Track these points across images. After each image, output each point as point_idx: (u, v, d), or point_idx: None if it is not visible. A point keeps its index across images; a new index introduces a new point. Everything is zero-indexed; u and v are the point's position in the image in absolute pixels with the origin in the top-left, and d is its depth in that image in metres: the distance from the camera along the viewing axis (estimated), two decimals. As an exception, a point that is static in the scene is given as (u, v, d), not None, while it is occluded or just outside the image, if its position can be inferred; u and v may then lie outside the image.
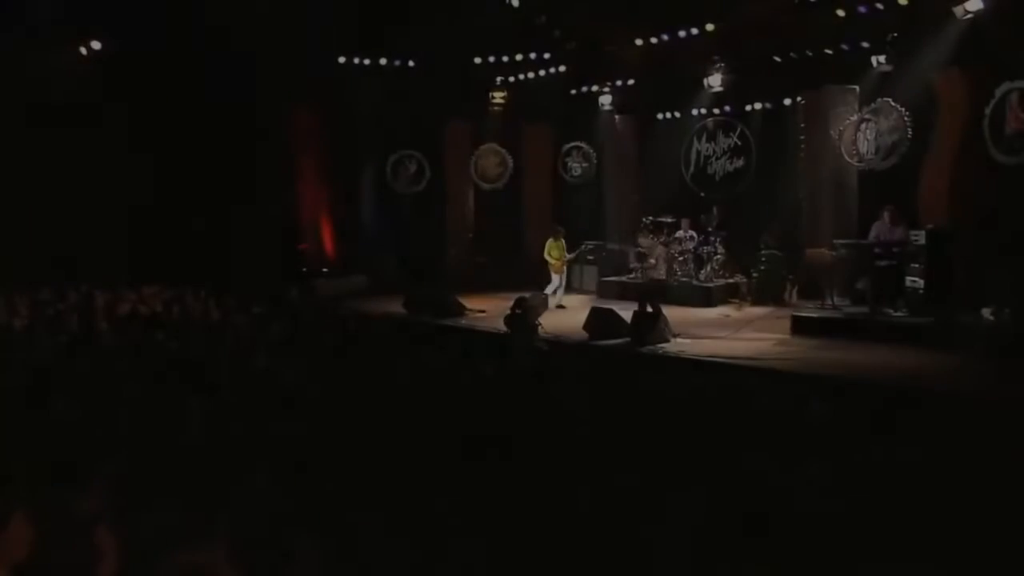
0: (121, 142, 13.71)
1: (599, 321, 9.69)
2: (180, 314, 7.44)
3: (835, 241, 9.96)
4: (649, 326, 9.04)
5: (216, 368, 5.34)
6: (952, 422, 5.92)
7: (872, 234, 10.14)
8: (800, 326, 9.75)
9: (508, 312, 9.89)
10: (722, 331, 10.13)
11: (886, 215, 10.05)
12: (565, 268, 13.21)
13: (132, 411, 4.30)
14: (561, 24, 14.04)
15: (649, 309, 9.53)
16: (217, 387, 4.70)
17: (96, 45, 13.35)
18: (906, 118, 11.36)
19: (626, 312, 9.78)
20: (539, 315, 10.20)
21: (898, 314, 9.54)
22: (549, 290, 13.14)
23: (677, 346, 9.03)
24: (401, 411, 4.69)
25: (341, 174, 16.61)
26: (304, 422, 4.34)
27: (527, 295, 10.87)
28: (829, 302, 10.44)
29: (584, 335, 9.75)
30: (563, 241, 13.20)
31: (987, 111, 10.19)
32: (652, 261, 13.27)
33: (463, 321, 11.49)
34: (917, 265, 9.93)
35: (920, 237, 9.86)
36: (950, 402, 6.64)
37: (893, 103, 11.53)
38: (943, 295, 9.57)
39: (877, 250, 9.57)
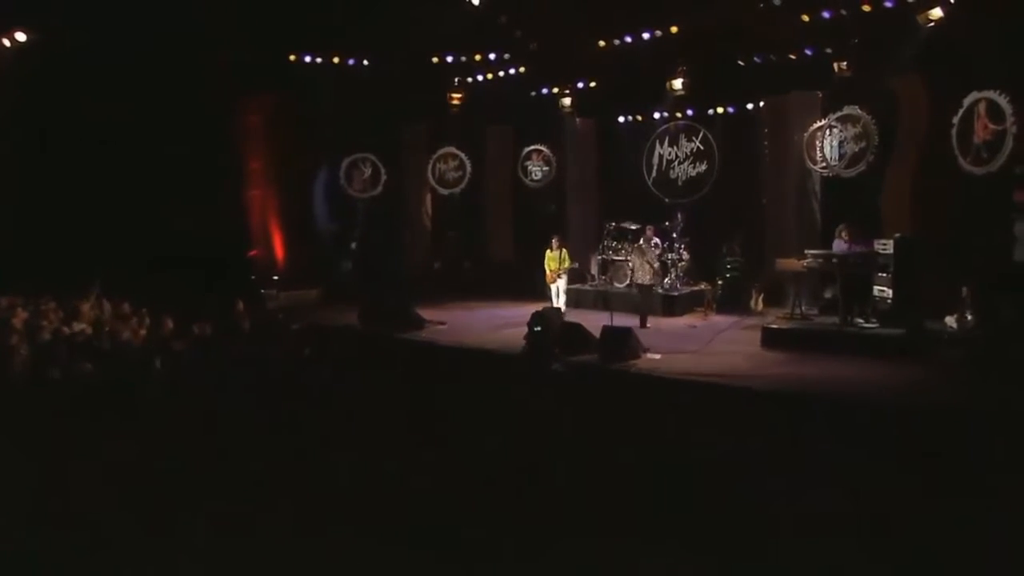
0: (41, 142, 12.73)
1: (567, 336, 9.27)
2: (109, 337, 6.73)
3: (806, 251, 9.77)
4: (620, 341, 8.66)
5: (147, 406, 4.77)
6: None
7: (836, 248, 10.01)
8: (771, 338, 9.53)
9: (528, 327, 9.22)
10: (691, 344, 9.84)
11: (843, 233, 9.97)
12: (562, 279, 12.72)
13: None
14: (522, 24, 13.59)
15: (648, 325, 9.15)
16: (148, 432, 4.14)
17: (21, 36, 12.34)
18: (873, 126, 11.26)
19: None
20: (555, 330, 9.58)
21: (868, 325, 9.38)
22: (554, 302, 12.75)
23: (648, 363, 8.67)
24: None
25: (292, 177, 15.81)
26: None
27: (542, 309, 10.20)
28: (798, 311, 10.25)
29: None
30: (563, 251, 12.74)
31: (955, 120, 10.11)
32: (631, 269, 12.72)
33: (422, 334, 10.95)
34: (884, 275, 9.81)
35: (888, 246, 9.74)
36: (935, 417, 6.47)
37: (860, 111, 11.42)
38: (911, 305, 9.45)
39: (848, 260, 9.39)
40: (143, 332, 7.95)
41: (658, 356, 8.91)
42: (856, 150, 11.52)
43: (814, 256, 9.62)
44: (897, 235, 9.87)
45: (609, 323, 9.40)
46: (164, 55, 12.74)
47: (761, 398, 7.18)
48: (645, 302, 11.77)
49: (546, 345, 8.69)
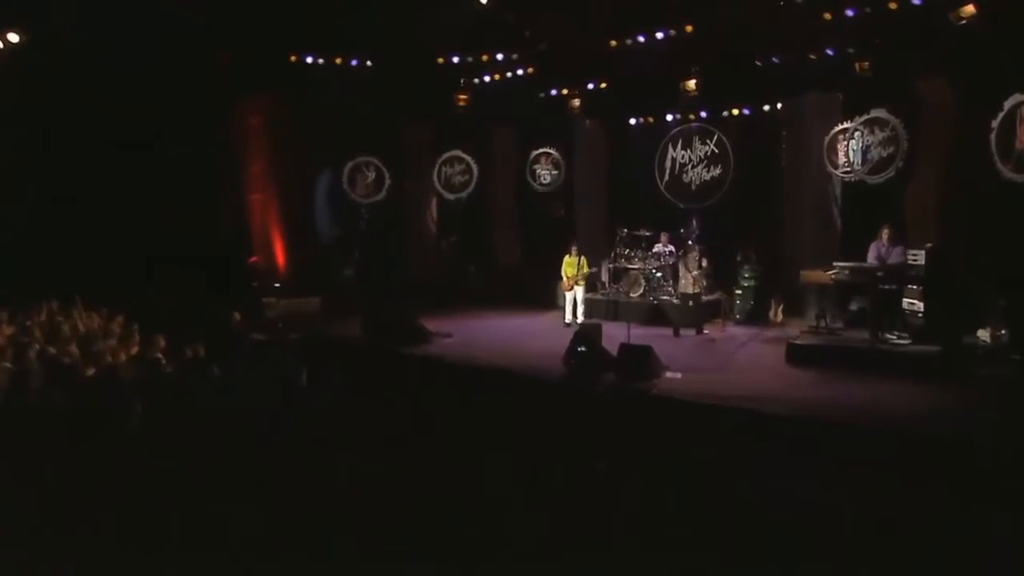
0: (36, 144, 12.30)
1: (581, 353, 8.77)
2: (93, 358, 6.24)
3: (835, 264, 9.26)
4: (639, 360, 8.16)
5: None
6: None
7: (871, 255, 9.46)
8: (796, 355, 9.02)
9: (570, 347, 8.64)
10: (712, 360, 9.35)
11: (884, 234, 9.38)
12: (580, 287, 12.28)
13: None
14: (531, 23, 13.09)
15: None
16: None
17: (13, 37, 11.90)
18: (904, 130, 10.75)
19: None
20: (599, 346, 8.98)
21: (899, 341, 8.87)
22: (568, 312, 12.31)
23: (668, 383, 8.17)
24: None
25: (293, 181, 15.32)
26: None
27: (584, 323, 9.55)
28: (823, 325, 9.75)
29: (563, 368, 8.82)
30: (581, 258, 12.31)
31: (994, 124, 9.59)
32: (678, 277, 12.14)
33: (429, 348, 10.47)
34: (914, 287, 9.31)
35: (919, 257, 9.23)
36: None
37: (888, 115, 10.91)
38: (945, 319, 8.95)
39: (880, 273, 8.88)
40: (135, 350, 7.49)
41: (679, 375, 8.41)
42: (884, 155, 11.00)
43: (843, 268, 9.09)
44: (928, 245, 9.36)
45: (626, 338, 8.90)
46: (161, 55, 12.31)
47: (792, 426, 6.68)
48: (686, 313, 11.32)
49: (593, 367, 8.05)
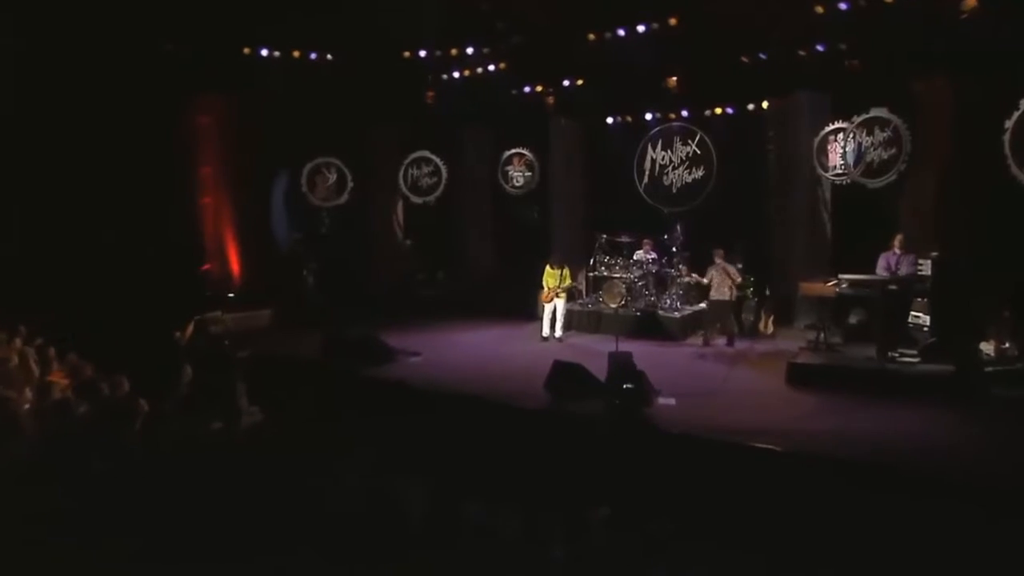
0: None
1: (563, 378, 7.90)
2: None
3: (841, 276, 8.54)
4: (630, 384, 7.28)
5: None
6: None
7: (881, 265, 8.76)
8: (798, 376, 8.26)
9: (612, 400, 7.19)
10: (705, 381, 8.56)
11: (896, 242, 8.67)
12: (560, 299, 11.38)
13: None
14: (504, 14, 12.23)
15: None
16: None
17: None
18: (907, 130, 10.11)
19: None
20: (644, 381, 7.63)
21: (908, 359, 8.17)
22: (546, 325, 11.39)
23: (662, 410, 7.33)
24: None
25: (248, 184, 14.29)
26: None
27: (616, 355, 7.78)
28: (822, 340, 9.02)
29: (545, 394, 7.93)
30: (564, 269, 11.43)
31: (1008, 124, 8.96)
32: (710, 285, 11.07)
33: (395, 369, 9.51)
34: (920, 299, 8.65)
35: (925, 267, 8.57)
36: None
37: (889, 114, 10.26)
38: (952, 334, 8.28)
39: (892, 286, 8.17)
40: (64, 381, 6.39)
41: (672, 401, 7.58)
42: (884, 157, 10.33)
43: (848, 280, 8.35)
44: (934, 254, 8.70)
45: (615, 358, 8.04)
46: (101, 46, 11.31)
47: (805, 466, 5.89)
48: (720, 319, 10.66)
49: (638, 409, 6.76)
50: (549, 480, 5.26)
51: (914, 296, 8.45)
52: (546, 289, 11.45)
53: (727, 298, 10.65)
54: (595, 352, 9.57)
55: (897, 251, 8.63)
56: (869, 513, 5.03)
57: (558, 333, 11.40)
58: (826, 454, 6.05)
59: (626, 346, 8.72)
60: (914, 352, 8.19)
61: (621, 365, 7.55)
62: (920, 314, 8.75)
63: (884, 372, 7.84)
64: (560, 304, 11.44)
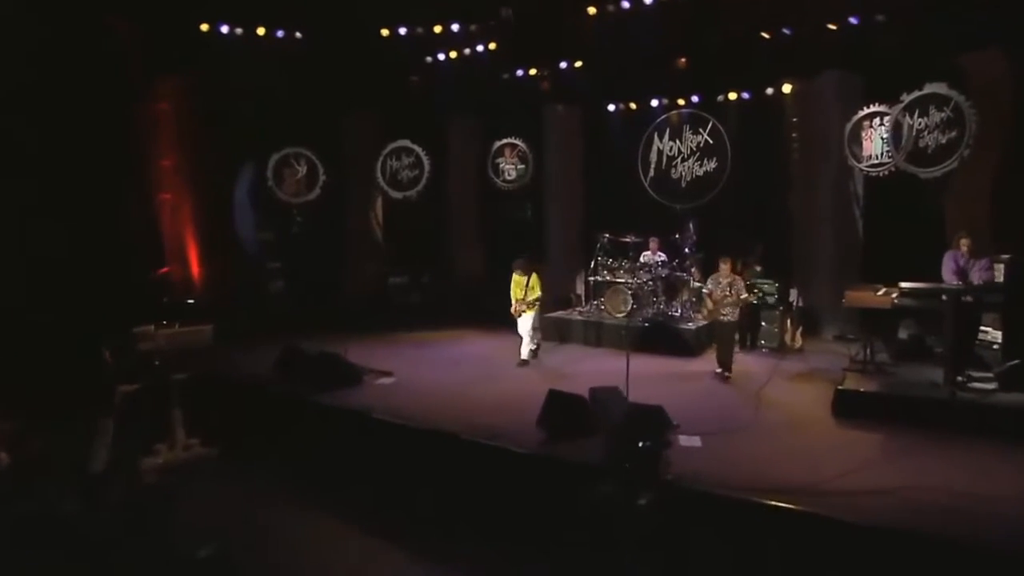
0: None
1: (559, 412, 6.41)
2: None
3: (902, 284, 7.03)
4: (644, 424, 5.80)
5: None
6: None
7: (947, 268, 7.25)
8: (848, 406, 6.80)
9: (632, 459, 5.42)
10: (732, 412, 7.10)
11: (964, 244, 7.22)
12: (533, 311, 9.49)
13: None
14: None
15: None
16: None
17: None
18: (970, 108, 8.70)
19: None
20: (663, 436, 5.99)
21: (982, 385, 6.73)
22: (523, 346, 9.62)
23: (683, 454, 5.85)
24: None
25: (211, 177, 12.99)
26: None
27: (637, 410, 6.20)
28: (870, 359, 7.58)
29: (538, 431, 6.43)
30: (531, 276, 9.47)
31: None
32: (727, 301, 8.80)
33: (360, 393, 8.02)
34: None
35: (997, 272, 7.16)
36: None
37: (949, 90, 8.85)
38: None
39: (967, 298, 6.71)
40: None
41: (698, 441, 6.12)
42: (942, 142, 8.89)
43: (910, 290, 6.86)
44: (1006, 256, 7.28)
45: (624, 377, 6.58)
46: (47, 24, 10.31)
47: (880, 544, 4.44)
48: (719, 342, 8.91)
49: (652, 469, 5.20)
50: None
51: (984, 308, 7.01)
52: (513, 301, 9.56)
53: (731, 319, 8.90)
54: (597, 372, 8.18)
55: (965, 252, 7.18)
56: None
57: (524, 356, 9.52)
58: (906, 525, 4.57)
59: (634, 362, 7.30)
60: (989, 376, 6.76)
61: (634, 412, 6.06)
62: (989, 329, 7.32)
63: (955, 403, 6.40)
64: (527, 321, 9.51)
